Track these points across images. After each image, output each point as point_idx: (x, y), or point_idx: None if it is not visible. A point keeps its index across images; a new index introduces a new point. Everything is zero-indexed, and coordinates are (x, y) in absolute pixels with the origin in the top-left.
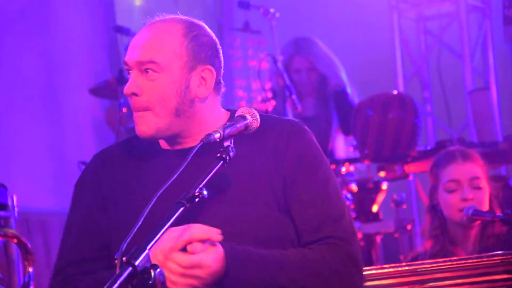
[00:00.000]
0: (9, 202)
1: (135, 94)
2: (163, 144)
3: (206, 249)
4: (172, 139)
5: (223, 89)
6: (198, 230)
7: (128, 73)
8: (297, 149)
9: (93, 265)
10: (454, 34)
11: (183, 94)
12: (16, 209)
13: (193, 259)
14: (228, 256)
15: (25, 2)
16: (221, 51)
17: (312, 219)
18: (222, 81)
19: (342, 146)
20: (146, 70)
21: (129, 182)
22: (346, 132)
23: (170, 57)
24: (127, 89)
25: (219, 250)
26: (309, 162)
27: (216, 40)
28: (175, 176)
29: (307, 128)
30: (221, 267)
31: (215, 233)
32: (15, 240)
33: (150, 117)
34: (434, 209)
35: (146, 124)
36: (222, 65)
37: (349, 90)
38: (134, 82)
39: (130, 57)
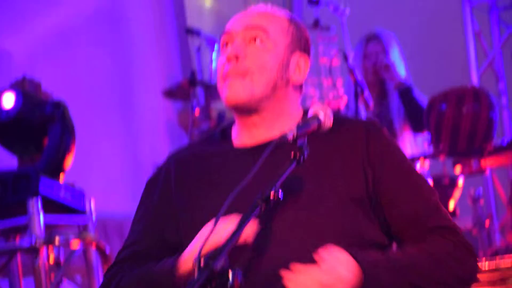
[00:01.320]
0: (87, 208)
1: (237, 58)
2: (236, 141)
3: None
4: (252, 121)
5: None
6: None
7: (221, 46)
8: (379, 148)
9: (150, 261)
10: None
11: (283, 71)
12: (94, 214)
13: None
14: (362, 265)
15: (97, 6)
16: None
17: (413, 213)
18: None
19: (409, 144)
20: (253, 38)
21: (202, 182)
22: (416, 130)
23: (279, 31)
24: (232, 51)
25: (349, 260)
26: (394, 159)
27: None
28: (248, 178)
29: (383, 127)
30: (357, 278)
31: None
32: (94, 246)
33: (247, 83)
34: None
35: (242, 88)
36: None
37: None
38: (239, 46)
39: (237, 24)
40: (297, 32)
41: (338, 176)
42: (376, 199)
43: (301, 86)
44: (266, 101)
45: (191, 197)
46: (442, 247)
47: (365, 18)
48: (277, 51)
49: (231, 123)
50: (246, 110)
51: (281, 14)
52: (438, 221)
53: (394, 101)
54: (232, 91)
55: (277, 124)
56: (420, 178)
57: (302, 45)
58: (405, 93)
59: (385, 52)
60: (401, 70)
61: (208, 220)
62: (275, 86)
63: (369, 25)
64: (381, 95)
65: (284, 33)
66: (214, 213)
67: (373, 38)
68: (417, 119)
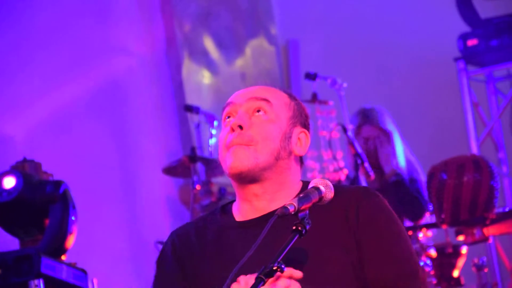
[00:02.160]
0: (90, 287)
1: (241, 127)
2: (237, 215)
3: None
4: (253, 191)
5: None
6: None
7: (224, 120)
8: (367, 211)
9: None
10: None
11: (286, 142)
12: None
13: None
14: None
15: (96, 86)
16: None
17: (386, 278)
18: None
19: None
20: (256, 109)
21: (206, 256)
22: (414, 220)
23: (282, 104)
24: (236, 121)
25: None
26: (379, 222)
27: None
28: (250, 252)
29: (377, 192)
30: None
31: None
32: None
33: (252, 152)
34: None
35: (246, 157)
36: None
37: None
38: (243, 116)
39: (240, 97)
40: (298, 108)
41: (337, 245)
42: (360, 260)
43: (302, 160)
44: (269, 171)
45: (195, 271)
46: None
47: (363, 91)
48: (280, 123)
49: (232, 200)
50: (249, 179)
51: (282, 90)
52: None
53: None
54: (237, 159)
55: (278, 196)
56: (403, 244)
57: (302, 120)
58: (398, 185)
59: (388, 137)
60: (401, 159)
61: None
62: (278, 156)
63: (366, 98)
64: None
65: (286, 106)
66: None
67: (364, 123)
68: (413, 211)
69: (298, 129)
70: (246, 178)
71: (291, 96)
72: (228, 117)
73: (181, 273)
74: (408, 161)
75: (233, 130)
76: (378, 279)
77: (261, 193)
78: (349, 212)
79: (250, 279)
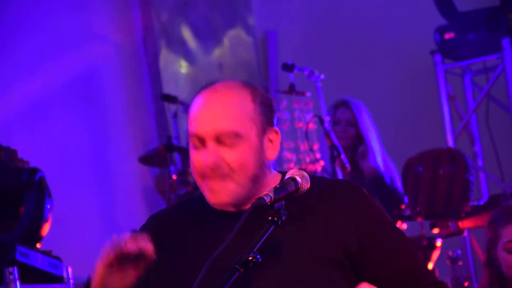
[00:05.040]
0: (65, 275)
1: (214, 167)
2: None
3: None
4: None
5: None
6: None
7: (192, 143)
8: (360, 210)
9: None
10: (501, 86)
11: (260, 159)
12: (71, 281)
13: None
14: None
15: (72, 72)
16: None
17: (407, 272)
18: None
19: None
20: (225, 143)
21: (182, 245)
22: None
23: (249, 125)
24: (210, 161)
25: None
26: (377, 220)
27: (271, 98)
28: (227, 241)
29: (361, 188)
30: None
31: None
32: None
33: (231, 186)
34: (492, 264)
35: (225, 192)
36: None
37: (381, 164)
38: (214, 153)
39: (205, 129)
40: (262, 110)
41: (315, 238)
42: (361, 261)
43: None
44: (252, 191)
45: (170, 258)
46: None
47: (340, 83)
48: (251, 144)
49: None
50: (233, 206)
51: (244, 97)
52: (430, 279)
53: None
54: (217, 195)
55: (259, 194)
56: (404, 237)
57: (269, 119)
58: (378, 182)
59: (356, 119)
60: (378, 157)
61: (190, 283)
62: (256, 177)
63: (343, 90)
64: (352, 162)
65: (253, 122)
66: (193, 276)
67: (341, 105)
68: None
69: (267, 133)
70: (232, 206)
71: (253, 97)
72: (197, 145)
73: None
74: (385, 159)
75: (207, 169)
76: (396, 275)
77: (243, 203)
78: (334, 207)
79: None
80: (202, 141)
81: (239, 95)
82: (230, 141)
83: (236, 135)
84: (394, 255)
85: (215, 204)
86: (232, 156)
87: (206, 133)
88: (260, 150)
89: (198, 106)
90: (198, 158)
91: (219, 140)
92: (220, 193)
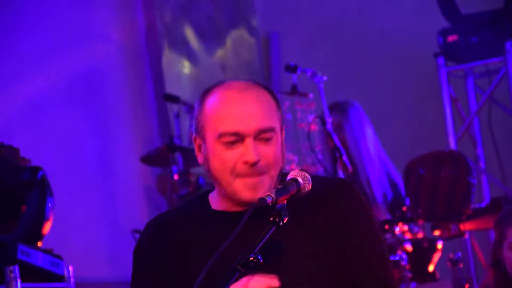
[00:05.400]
0: (65, 273)
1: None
2: (215, 205)
3: None
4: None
5: None
6: (257, 283)
7: (224, 141)
8: (347, 205)
9: None
10: (504, 89)
11: (284, 154)
12: (72, 279)
13: None
14: None
15: (77, 72)
16: None
17: (357, 277)
18: None
19: None
20: (264, 139)
21: (183, 247)
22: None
23: (278, 122)
24: (253, 158)
25: None
26: (359, 219)
27: None
28: (228, 242)
29: (353, 185)
30: None
31: (274, 282)
32: None
33: (267, 181)
34: (498, 264)
35: (264, 188)
36: None
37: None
38: (256, 149)
39: (247, 126)
40: (278, 106)
41: (314, 237)
42: (338, 256)
43: None
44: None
45: (174, 261)
46: None
47: (343, 85)
48: (279, 139)
49: (208, 190)
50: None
51: (268, 96)
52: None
53: None
54: (255, 193)
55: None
56: (380, 243)
57: (282, 117)
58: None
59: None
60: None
61: (191, 284)
62: (280, 173)
63: (346, 91)
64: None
65: (278, 117)
66: (196, 277)
67: (333, 108)
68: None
69: (283, 129)
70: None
71: (273, 95)
72: (233, 141)
73: (158, 270)
74: (381, 158)
75: (249, 164)
76: (351, 276)
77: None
78: (328, 204)
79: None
80: (240, 138)
81: (264, 92)
82: (268, 137)
83: (273, 131)
84: (364, 256)
85: (251, 200)
86: (269, 151)
87: (247, 130)
88: (283, 146)
89: (232, 104)
90: (234, 156)
91: (258, 136)
92: (260, 189)
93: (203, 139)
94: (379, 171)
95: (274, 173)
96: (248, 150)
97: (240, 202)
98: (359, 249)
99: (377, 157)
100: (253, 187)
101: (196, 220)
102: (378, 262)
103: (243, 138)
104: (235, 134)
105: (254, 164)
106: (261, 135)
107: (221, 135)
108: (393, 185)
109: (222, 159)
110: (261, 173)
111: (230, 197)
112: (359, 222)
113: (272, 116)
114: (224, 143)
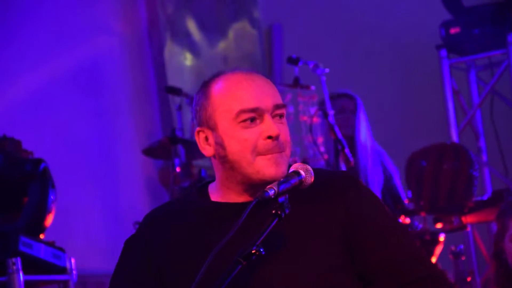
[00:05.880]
0: (68, 266)
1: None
2: (215, 197)
3: None
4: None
5: None
6: None
7: (244, 119)
8: (356, 199)
9: None
10: (506, 82)
11: None
12: (74, 272)
13: None
14: None
15: (79, 64)
16: None
17: (399, 263)
18: None
19: None
20: (279, 115)
21: (183, 240)
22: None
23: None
24: (277, 132)
25: None
26: (374, 210)
27: None
28: (230, 234)
29: (359, 180)
30: None
31: None
32: None
33: (285, 158)
34: (499, 257)
35: (284, 165)
36: None
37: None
38: (274, 124)
39: (265, 102)
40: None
41: (317, 231)
42: (358, 251)
43: None
44: None
45: (174, 254)
46: None
47: (345, 77)
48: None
49: (207, 182)
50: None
51: (270, 80)
52: (419, 273)
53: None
54: (280, 168)
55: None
56: (400, 227)
57: None
58: (390, 188)
59: (356, 110)
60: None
61: (192, 277)
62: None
63: (348, 83)
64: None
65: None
66: (197, 270)
67: (345, 96)
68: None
69: None
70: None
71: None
72: (253, 118)
73: (150, 263)
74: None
75: (272, 138)
76: (388, 265)
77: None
78: (334, 198)
79: None
80: (259, 115)
81: (270, 80)
82: (282, 113)
83: (285, 107)
84: (391, 245)
85: (275, 177)
86: (283, 129)
87: (265, 105)
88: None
89: (245, 82)
90: (255, 134)
91: (274, 112)
92: (283, 165)
93: (213, 128)
94: (374, 161)
95: (289, 151)
96: (270, 125)
97: (262, 181)
98: (381, 239)
99: (372, 148)
100: (276, 163)
101: (195, 212)
102: (409, 243)
103: (262, 115)
104: (254, 110)
105: (277, 137)
106: (276, 111)
107: (239, 113)
108: (388, 177)
109: (242, 139)
110: (282, 149)
111: (249, 178)
112: (372, 211)
113: (279, 95)
114: (242, 123)
